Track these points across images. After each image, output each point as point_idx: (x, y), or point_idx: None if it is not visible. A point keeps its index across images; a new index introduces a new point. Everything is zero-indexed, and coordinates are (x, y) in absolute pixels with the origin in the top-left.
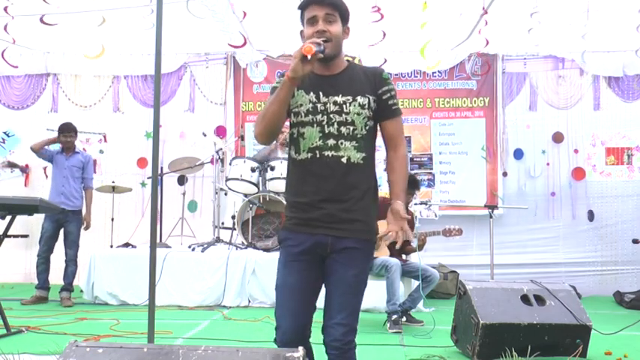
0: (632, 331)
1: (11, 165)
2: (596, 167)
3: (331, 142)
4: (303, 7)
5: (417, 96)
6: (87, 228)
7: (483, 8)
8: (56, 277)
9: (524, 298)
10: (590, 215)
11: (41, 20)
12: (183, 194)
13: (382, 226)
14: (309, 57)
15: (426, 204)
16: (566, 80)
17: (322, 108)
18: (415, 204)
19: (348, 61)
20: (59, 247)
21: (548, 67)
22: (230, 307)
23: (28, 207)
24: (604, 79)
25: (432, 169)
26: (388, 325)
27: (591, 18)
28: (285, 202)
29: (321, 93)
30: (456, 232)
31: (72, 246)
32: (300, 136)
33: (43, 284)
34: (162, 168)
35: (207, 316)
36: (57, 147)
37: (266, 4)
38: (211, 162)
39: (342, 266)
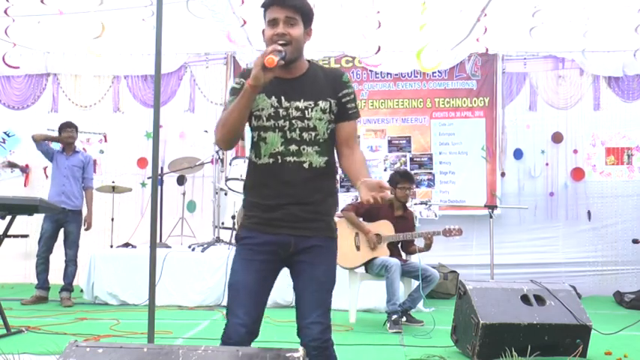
0: (632, 331)
1: (11, 165)
2: (596, 167)
3: (293, 147)
4: (265, 7)
5: (417, 96)
6: (88, 228)
7: (483, 11)
8: (56, 277)
9: (524, 298)
10: (588, 215)
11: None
12: (183, 194)
13: (379, 226)
14: (265, 66)
15: (425, 204)
16: (566, 80)
17: (284, 113)
18: (415, 204)
19: (308, 61)
20: (59, 247)
21: (548, 67)
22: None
23: (28, 207)
24: (604, 79)
25: (432, 169)
26: (388, 325)
27: (591, 18)
28: (244, 202)
29: (282, 98)
30: (456, 232)
31: (72, 246)
32: (261, 140)
33: (43, 284)
34: (162, 168)
35: (207, 316)
36: (58, 146)
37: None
38: (211, 162)
39: (309, 265)
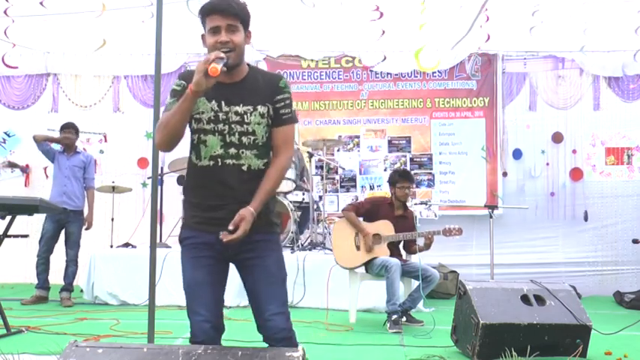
0: (632, 331)
1: (12, 165)
2: (595, 167)
3: (232, 150)
4: (204, 14)
5: (417, 96)
6: (88, 228)
7: (483, 7)
8: (56, 277)
9: (524, 298)
10: (585, 215)
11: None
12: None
13: (379, 226)
14: (209, 75)
15: (425, 204)
16: (566, 80)
17: (224, 117)
18: (415, 204)
19: (248, 65)
20: (59, 247)
21: (548, 67)
22: (230, 307)
23: (28, 207)
24: (604, 79)
25: (431, 169)
26: (388, 325)
27: (591, 18)
28: (184, 203)
29: (223, 102)
30: (456, 232)
31: (73, 246)
32: (201, 143)
33: (43, 284)
34: (162, 168)
35: None
36: (58, 147)
37: (266, 4)
38: None
39: (259, 259)
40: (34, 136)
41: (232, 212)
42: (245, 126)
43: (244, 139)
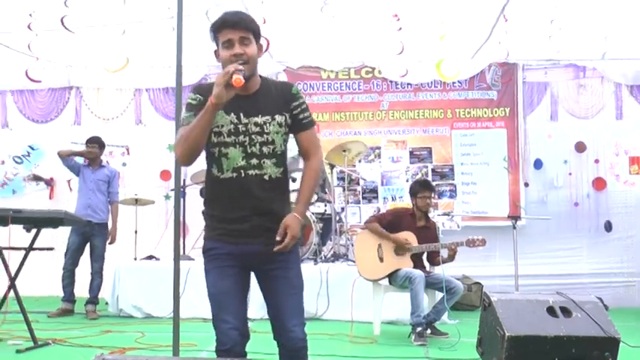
0: None
1: (36, 178)
2: (619, 177)
3: (254, 161)
4: (215, 30)
5: (438, 106)
6: (112, 242)
7: (501, 13)
8: (81, 289)
9: (550, 310)
10: (608, 226)
11: (62, 23)
12: None
13: (404, 237)
14: (233, 86)
15: (448, 215)
16: (588, 89)
17: (244, 129)
18: (438, 215)
19: (260, 76)
20: (84, 260)
21: (569, 76)
22: (254, 320)
23: (53, 220)
24: (626, 87)
25: (453, 179)
26: (413, 337)
27: (612, 25)
28: (205, 215)
29: (241, 114)
30: (480, 243)
31: (98, 259)
32: (222, 156)
33: (69, 297)
34: (184, 180)
35: None
36: (81, 160)
37: (285, 16)
38: None
39: (281, 271)
40: (58, 152)
41: (256, 225)
42: (265, 136)
43: (265, 149)
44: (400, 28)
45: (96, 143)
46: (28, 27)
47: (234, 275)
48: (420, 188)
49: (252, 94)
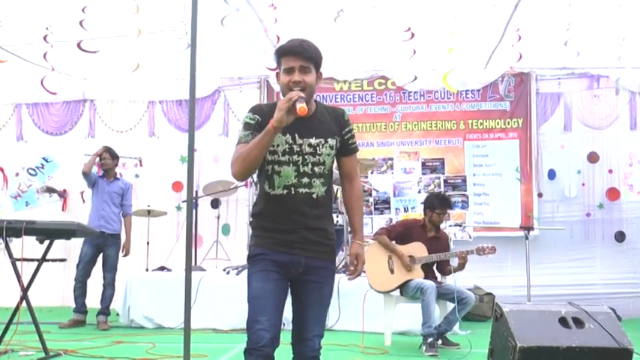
0: None
1: (50, 190)
2: (633, 187)
3: (305, 180)
4: (280, 55)
5: (451, 117)
6: (126, 255)
7: (509, 21)
8: (93, 300)
9: (563, 321)
10: (621, 236)
11: (79, 47)
12: (218, 217)
13: (412, 248)
14: (297, 114)
15: (460, 225)
16: (602, 99)
17: (298, 149)
18: (450, 225)
19: (315, 101)
20: (97, 271)
21: (582, 87)
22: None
23: (65, 231)
24: None
25: (465, 190)
26: (424, 348)
27: (626, 35)
28: (255, 226)
29: (296, 135)
30: (490, 251)
31: (110, 270)
32: (276, 173)
33: (81, 308)
34: (197, 192)
35: (242, 339)
36: (95, 171)
37: (298, 28)
38: (245, 185)
39: (318, 284)
40: (83, 171)
41: (303, 237)
42: (317, 157)
43: (316, 169)
44: (413, 35)
45: (107, 152)
46: (44, 39)
47: (276, 280)
48: (440, 206)
49: (308, 117)
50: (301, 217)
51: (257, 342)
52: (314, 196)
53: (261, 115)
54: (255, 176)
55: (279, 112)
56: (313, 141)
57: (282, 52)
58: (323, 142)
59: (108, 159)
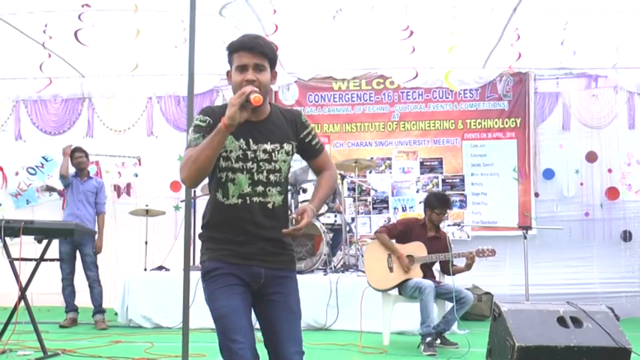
0: None
1: (49, 189)
2: (631, 186)
3: (260, 188)
4: (232, 51)
5: (449, 117)
6: (98, 252)
7: (509, 21)
8: (82, 299)
9: (561, 320)
10: (627, 235)
11: (76, 37)
12: None
13: (412, 248)
14: (252, 104)
15: (458, 225)
16: (600, 99)
17: (252, 155)
18: (448, 225)
19: (270, 104)
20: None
21: (581, 86)
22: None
23: (64, 231)
24: (639, 96)
25: (464, 190)
26: (422, 347)
27: (624, 34)
28: (205, 237)
29: (251, 140)
30: (489, 253)
31: (91, 267)
32: (229, 181)
33: (73, 306)
34: (195, 191)
35: None
36: (72, 171)
37: (296, 28)
38: None
39: (282, 295)
40: (61, 174)
41: (261, 248)
42: (273, 164)
43: (271, 177)
44: (412, 33)
45: (82, 152)
46: (43, 46)
47: (241, 294)
48: (439, 205)
49: (262, 121)
50: (256, 229)
51: None
52: (269, 205)
53: (212, 116)
54: None
55: (231, 109)
56: (268, 147)
57: (234, 48)
58: (279, 148)
59: (83, 157)
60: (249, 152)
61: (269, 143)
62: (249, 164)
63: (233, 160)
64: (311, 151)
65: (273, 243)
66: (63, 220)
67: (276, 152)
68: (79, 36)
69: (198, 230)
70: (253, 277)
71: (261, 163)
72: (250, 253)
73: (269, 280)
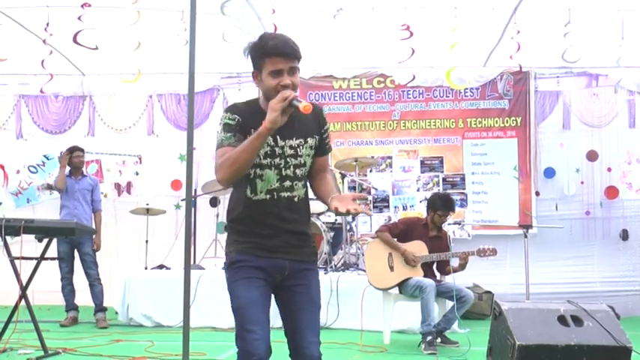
0: None
1: (50, 187)
2: (632, 185)
3: (287, 183)
4: (264, 55)
5: (449, 116)
6: (97, 250)
7: (513, 21)
8: (82, 298)
9: (561, 319)
10: (625, 234)
11: (75, 40)
12: (217, 216)
13: (413, 247)
14: (302, 112)
15: (459, 224)
16: (600, 98)
17: (280, 152)
18: (449, 224)
19: None
20: (80, 271)
21: (581, 85)
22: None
23: (64, 230)
24: (639, 95)
25: (464, 189)
26: (423, 346)
27: (625, 33)
28: (232, 230)
29: (278, 137)
30: (490, 252)
31: (92, 266)
32: (257, 177)
33: (73, 305)
34: (195, 190)
35: None
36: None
37: (297, 26)
38: None
39: (306, 287)
40: (58, 187)
41: (286, 241)
42: (298, 158)
43: (298, 172)
44: (412, 34)
45: (80, 151)
46: (44, 42)
47: (261, 287)
48: (443, 208)
49: (288, 118)
50: (280, 222)
51: (253, 353)
52: (295, 199)
53: (241, 115)
54: None
55: (272, 113)
56: (294, 142)
57: (268, 53)
58: (303, 143)
59: (81, 156)
60: (276, 148)
61: (294, 139)
62: (277, 160)
63: (261, 157)
64: (322, 148)
65: (297, 236)
66: (60, 219)
67: (301, 147)
68: (80, 38)
69: (199, 229)
70: (278, 270)
71: (288, 159)
72: (275, 245)
73: (292, 272)
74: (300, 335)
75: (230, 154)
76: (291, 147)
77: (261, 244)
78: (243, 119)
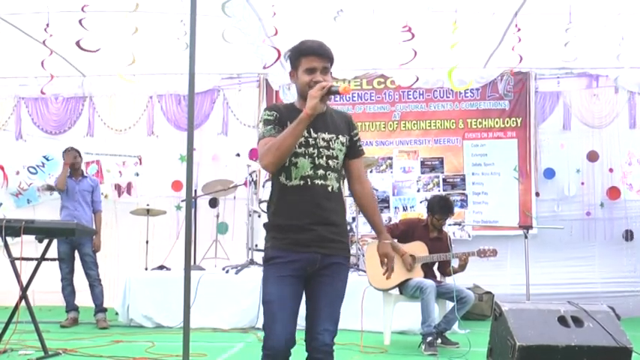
0: None
1: (50, 188)
2: (632, 186)
3: (321, 172)
4: (300, 55)
5: (450, 117)
6: (96, 251)
7: (514, 22)
8: (82, 299)
9: (562, 320)
10: (628, 235)
11: (78, 45)
12: (217, 217)
13: (413, 247)
14: (340, 93)
15: (459, 224)
16: (601, 98)
17: (313, 142)
18: (449, 225)
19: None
20: (81, 272)
21: (582, 86)
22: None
23: (65, 230)
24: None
25: (464, 189)
26: (423, 347)
27: (625, 34)
28: (270, 225)
29: (311, 129)
30: (491, 253)
31: (92, 267)
32: (292, 165)
33: (73, 306)
34: (196, 191)
35: (241, 338)
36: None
37: (297, 28)
38: (245, 184)
39: (331, 279)
40: (58, 188)
41: (319, 235)
42: (331, 151)
43: (330, 162)
44: (413, 36)
45: (76, 151)
46: (43, 44)
47: (292, 285)
48: (440, 212)
49: (321, 114)
50: (319, 210)
51: (274, 345)
52: (329, 189)
53: (278, 111)
54: (254, 175)
55: (312, 100)
56: (326, 135)
57: (303, 52)
58: (335, 138)
59: (77, 157)
60: (310, 139)
61: (327, 133)
62: (311, 149)
63: (296, 147)
64: (354, 151)
65: (331, 228)
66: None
67: (333, 141)
68: (82, 42)
69: (199, 230)
70: (310, 263)
71: (320, 149)
72: (309, 239)
73: (324, 266)
74: (316, 322)
75: (274, 140)
76: (323, 139)
77: (295, 240)
78: (281, 115)
